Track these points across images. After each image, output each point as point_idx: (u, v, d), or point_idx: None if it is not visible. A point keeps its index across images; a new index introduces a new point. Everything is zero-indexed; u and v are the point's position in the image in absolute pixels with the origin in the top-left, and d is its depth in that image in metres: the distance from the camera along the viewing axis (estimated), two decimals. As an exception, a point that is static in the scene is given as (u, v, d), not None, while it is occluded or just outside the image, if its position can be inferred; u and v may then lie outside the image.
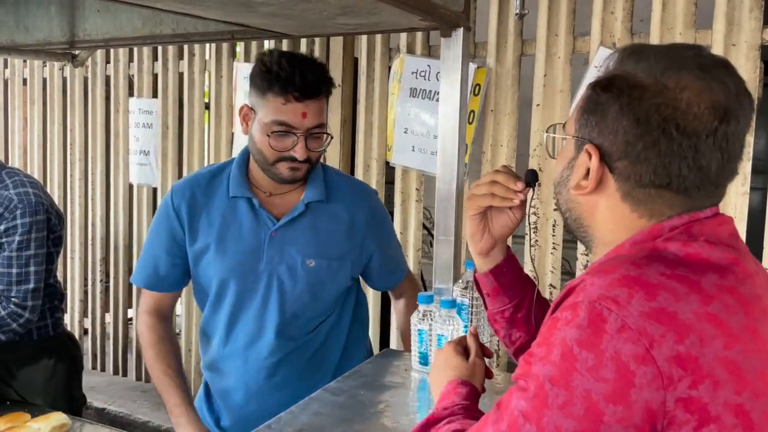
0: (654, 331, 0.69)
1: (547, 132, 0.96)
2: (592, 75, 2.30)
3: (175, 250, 1.63)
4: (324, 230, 1.60)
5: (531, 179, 1.08)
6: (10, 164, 2.00)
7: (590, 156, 0.82)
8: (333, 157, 2.96)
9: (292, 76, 1.44)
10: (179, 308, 3.60)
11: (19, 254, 1.85)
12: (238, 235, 1.59)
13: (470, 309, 1.58)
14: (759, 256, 2.10)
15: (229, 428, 1.68)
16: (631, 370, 0.69)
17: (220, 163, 1.68)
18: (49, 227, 1.95)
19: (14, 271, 1.86)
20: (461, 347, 1.14)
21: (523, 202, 1.08)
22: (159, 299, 1.69)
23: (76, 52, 2.93)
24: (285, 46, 3.05)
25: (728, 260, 0.78)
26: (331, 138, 1.59)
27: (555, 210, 2.42)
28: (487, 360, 1.17)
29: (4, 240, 1.85)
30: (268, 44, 3.14)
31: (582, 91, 0.95)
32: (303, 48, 2.99)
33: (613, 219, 0.83)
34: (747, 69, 2.09)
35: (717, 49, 2.13)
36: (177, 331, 3.65)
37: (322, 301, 1.63)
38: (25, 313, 1.85)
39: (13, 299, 1.85)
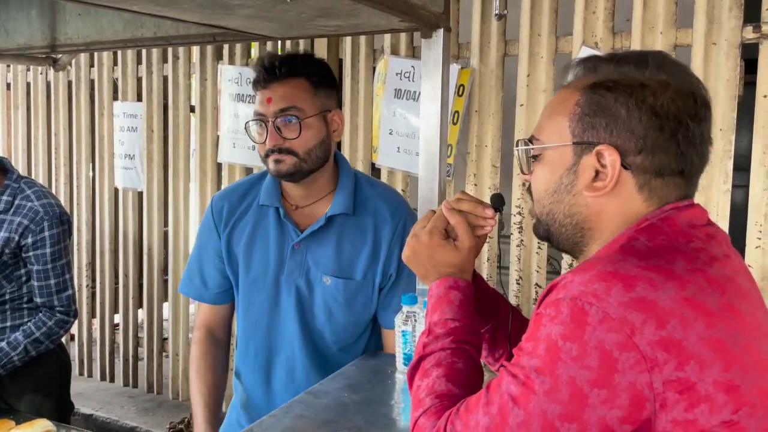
0: (635, 318, 0.73)
1: (519, 146, 0.93)
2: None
3: (217, 260, 1.60)
4: (347, 247, 1.52)
5: (499, 204, 1.05)
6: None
7: (600, 157, 0.85)
8: (319, 159, 2.96)
9: (261, 66, 1.44)
10: (166, 311, 3.58)
11: (54, 265, 1.93)
12: (264, 245, 1.55)
13: (454, 309, 1.58)
14: (741, 252, 2.11)
15: None
16: (614, 357, 0.72)
17: (262, 171, 1.62)
18: (69, 236, 2.01)
19: (52, 281, 1.94)
20: (445, 231, 1.04)
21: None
22: (207, 312, 1.65)
23: (58, 56, 2.91)
24: (269, 47, 3.04)
25: (696, 245, 0.83)
26: (334, 127, 1.50)
27: (540, 209, 2.42)
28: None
29: (32, 253, 1.91)
30: (255, 47, 3.13)
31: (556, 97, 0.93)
32: (288, 49, 2.98)
33: (624, 213, 0.86)
34: (728, 67, 2.10)
35: (698, 48, 2.15)
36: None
37: (337, 324, 1.55)
38: (70, 318, 1.96)
39: (57, 308, 1.94)
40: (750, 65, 2.12)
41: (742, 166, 2.17)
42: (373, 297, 1.55)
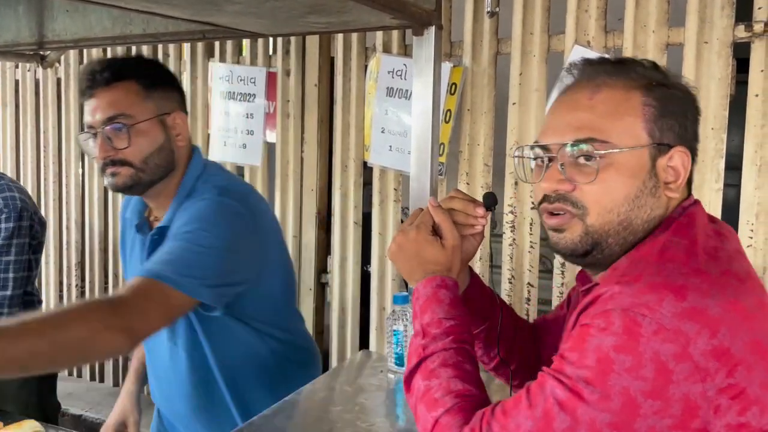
0: (689, 329, 0.74)
1: (578, 150, 0.85)
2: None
3: None
4: None
5: (491, 203, 1.02)
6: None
7: (671, 159, 0.86)
8: (310, 158, 2.94)
9: (85, 73, 1.35)
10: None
11: None
12: (131, 260, 1.54)
13: (445, 309, 1.57)
14: (733, 251, 2.11)
15: None
16: (670, 368, 0.73)
17: None
18: (31, 234, 1.92)
19: None
20: (432, 229, 1.00)
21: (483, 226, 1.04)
22: None
23: (45, 53, 2.88)
24: (260, 45, 3.03)
25: (715, 243, 0.85)
26: (177, 131, 1.37)
27: (532, 209, 2.42)
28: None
29: None
30: (247, 44, 3.11)
31: (564, 96, 0.90)
32: (279, 47, 2.96)
33: (668, 206, 0.88)
34: (719, 66, 2.10)
35: (690, 47, 2.15)
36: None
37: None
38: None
39: None
40: (742, 64, 2.12)
41: (733, 165, 2.18)
42: None
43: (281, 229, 1.63)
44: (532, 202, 2.41)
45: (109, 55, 3.51)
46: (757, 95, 2.07)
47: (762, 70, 2.06)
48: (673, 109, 0.87)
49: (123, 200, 1.59)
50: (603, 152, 0.85)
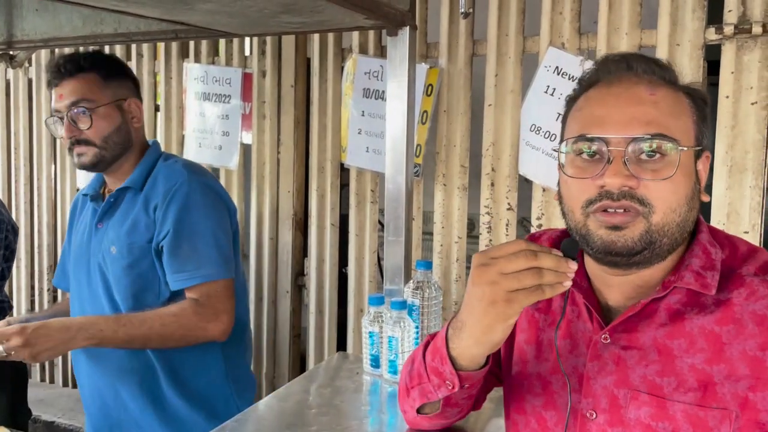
0: None
1: (660, 153, 0.83)
2: (542, 76, 2.32)
3: None
4: (131, 217, 1.60)
5: (573, 253, 0.84)
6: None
7: (704, 160, 0.91)
8: (286, 160, 2.92)
9: (51, 66, 1.58)
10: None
11: None
12: (77, 226, 1.75)
13: (421, 310, 1.57)
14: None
15: None
16: None
17: None
18: (5, 244, 1.89)
19: None
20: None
21: None
22: None
23: (15, 52, 2.83)
24: (235, 46, 3.00)
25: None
26: (132, 114, 1.61)
27: (508, 209, 2.43)
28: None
29: None
30: (222, 44, 3.08)
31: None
32: (255, 48, 2.94)
33: (697, 208, 0.91)
34: (691, 68, 2.13)
35: (662, 49, 2.17)
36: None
37: (119, 293, 1.61)
38: None
39: None
40: (713, 66, 2.15)
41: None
42: (155, 260, 1.59)
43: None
44: (508, 204, 2.42)
45: (81, 55, 3.47)
46: (727, 97, 2.10)
47: (732, 72, 2.09)
48: (703, 114, 0.89)
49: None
50: (680, 148, 0.83)
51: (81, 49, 3.31)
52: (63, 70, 1.55)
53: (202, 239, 1.56)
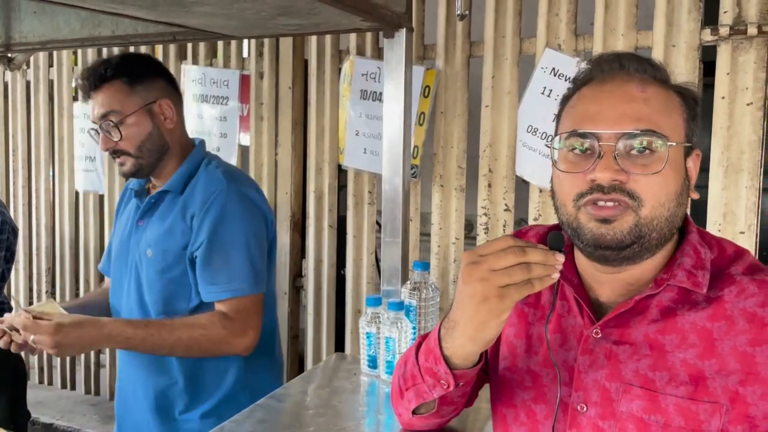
0: None
1: (650, 149, 0.85)
2: (539, 77, 2.33)
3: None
4: (168, 221, 1.59)
5: (560, 245, 0.85)
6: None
7: (694, 158, 0.91)
8: (284, 161, 2.93)
9: (80, 80, 1.57)
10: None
11: None
12: (121, 218, 1.76)
13: (418, 310, 1.57)
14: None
15: None
16: None
17: None
18: (6, 246, 1.90)
19: None
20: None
21: None
22: None
23: (12, 55, 2.83)
24: (233, 47, 3.01)
25: None
26: (165, 116, 1.57)
27: (505, 210, 2.44)
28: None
29: None
30: (220, 46, 3.09)
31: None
32: (252, 49, 2.95)
33: (686, 204, 0.92)
34: (686, 69, 2.14)
35: (657, 50, 2.18)
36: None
37: (149, 296, 1.60)
38: None
39: None
40: (708, 67, 2.16)
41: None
42: (188, 266, 1.57)
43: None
44: (506, 205, 2.43)
45: (79, 56, 3.47)
46: (723, 98, 2.11)
47: (728, 73, 2.10)
48: (694, 112, 0.91)
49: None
50: (669, 144, 0.85)
51: (89, 53, 3.33)
52: (89, 83, 1.54)
53: (236, 251, 1.54)
